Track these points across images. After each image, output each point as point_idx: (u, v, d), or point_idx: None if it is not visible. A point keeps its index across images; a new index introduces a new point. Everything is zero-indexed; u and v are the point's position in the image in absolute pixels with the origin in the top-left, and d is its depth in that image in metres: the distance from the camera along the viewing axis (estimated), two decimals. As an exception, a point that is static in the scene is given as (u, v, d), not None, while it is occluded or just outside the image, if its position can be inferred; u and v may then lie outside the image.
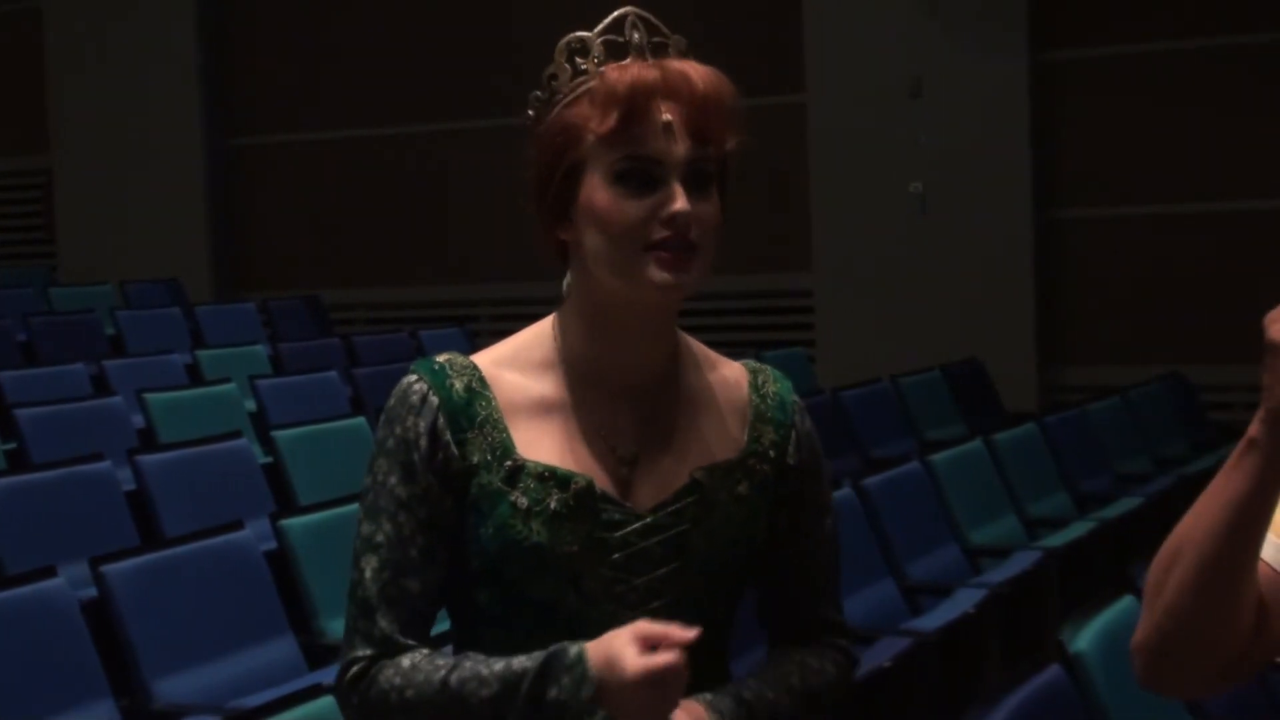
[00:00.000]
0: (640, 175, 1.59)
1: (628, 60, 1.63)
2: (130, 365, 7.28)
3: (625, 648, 1.52)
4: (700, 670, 1.63)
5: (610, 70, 1.62)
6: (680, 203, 1.58)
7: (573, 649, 1.55)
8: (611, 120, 1.60)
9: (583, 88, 1.63)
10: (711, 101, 1.60)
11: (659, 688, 1.50)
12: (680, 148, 1.59)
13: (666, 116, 1.59)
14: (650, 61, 1.62)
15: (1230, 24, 8.60)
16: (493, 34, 10.19)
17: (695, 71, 1.62)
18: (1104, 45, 8.89)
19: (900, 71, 9.06)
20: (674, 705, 1.54)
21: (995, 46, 8.89)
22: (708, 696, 1.62)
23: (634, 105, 1.59)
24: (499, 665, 1.58)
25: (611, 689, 1.52)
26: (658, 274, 1.59)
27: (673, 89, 1.60)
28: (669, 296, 1.62)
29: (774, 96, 9.31)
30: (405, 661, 1.62)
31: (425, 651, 1.63)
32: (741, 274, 9.38)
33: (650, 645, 1.51)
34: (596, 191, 1.61)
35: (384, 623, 1.63)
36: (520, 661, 1.58)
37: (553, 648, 1.57)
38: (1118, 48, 8.86)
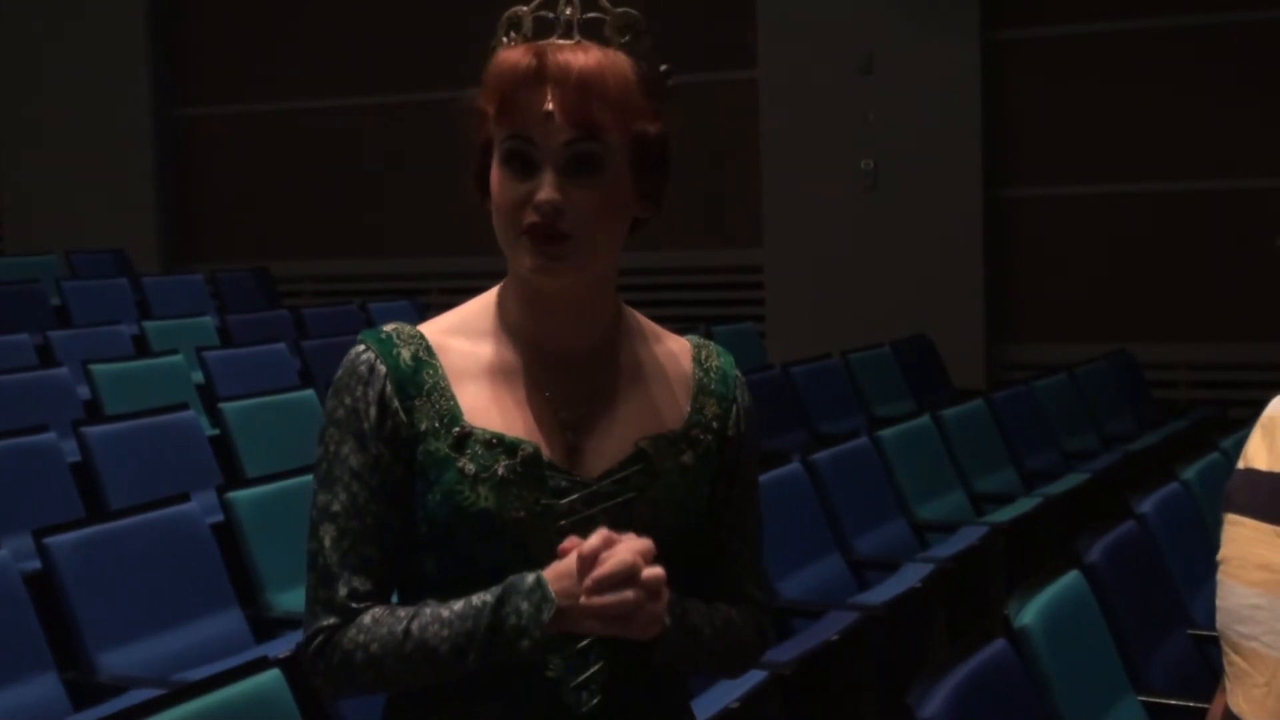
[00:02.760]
0: (521, 158, 1.62)
1: (519, 45, 1.63)
2: (76, 336, 7.22)
3: (574, 558, 1.55)
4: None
5: (500, 54, 1.65)
6: (545, 192, 1.60)
7: (529, 576, 1.58)
8: (493, 105, 1.63)
9: (489, 68, 1.66)
10: (591, 88, 1.60)
11: (608, 584, 1.52)
12: (558, 134, 1.60)
13: (548, 106, 1.60)
14: (536, 46, 1.62)
15: (1180, 4, 8.65)
16: (442, 6, 10.13)
17: (580, 57, 1.61)
18: (1055, 24, 8.93)
19: (852, 48, 9.08)
20: (637, 611, 1.54)
21: (947, 24, 8.92)
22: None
23: (508, 92, 1.61)
24: (458, 604, 1.61)
25: (567, 601, 1.55)
26: (528, 258, 1.62)
27: (551, 76, 1.60)
28: (545, 280, 1.63)
29: (725, 72, 9.31)
30: (366, 619, 1.64)
31: (386, 608, 1.65)
32: (692, 249, 9.39)
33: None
34: (493, 171, 1.65)
35: (345, 590, 1.65)
36: (478, 596, 1.60)
37: (510, 578, 1.59)
38: (1069, 27, 8.90)
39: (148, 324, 7.73)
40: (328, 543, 1.65)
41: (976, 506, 5.97)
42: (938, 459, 5.97)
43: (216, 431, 5.61)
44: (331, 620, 1.64)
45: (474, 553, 1.64)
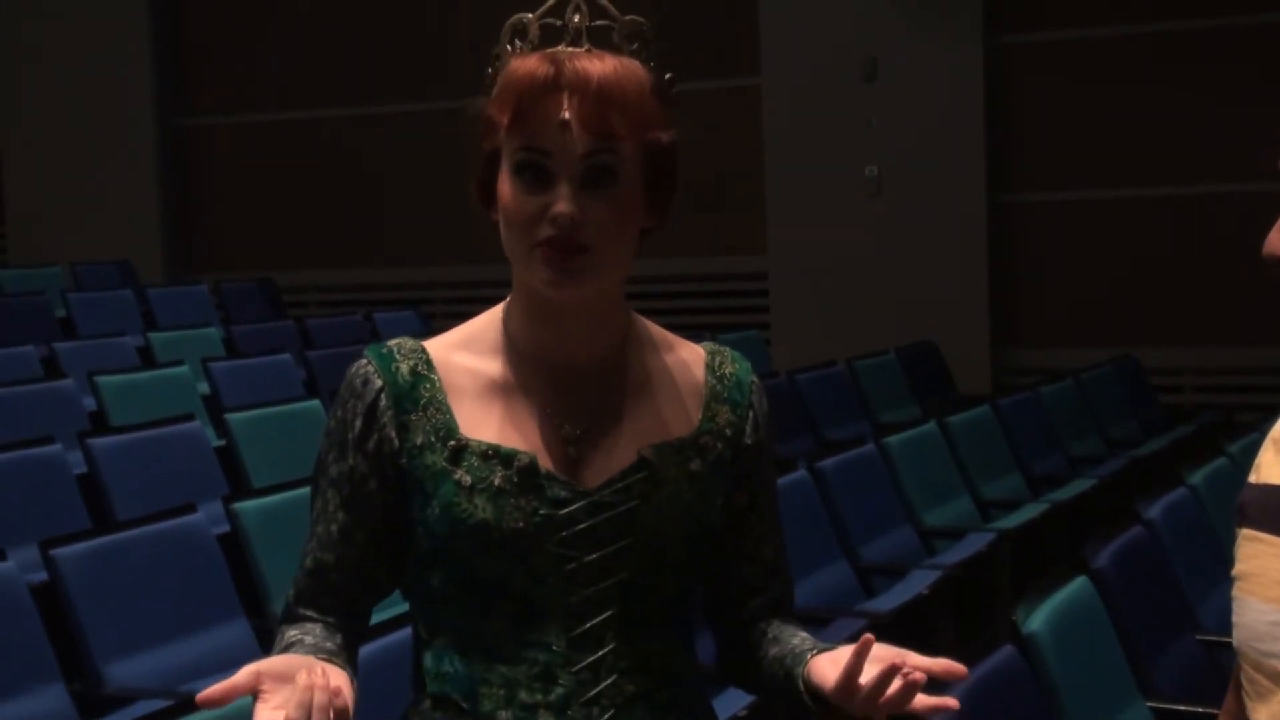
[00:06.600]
0: (535, 169, 1.58)
1: (533, 53, 1.61)
2: (81, 347, 7.22)
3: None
4: (655, 650, 1.65)
5: (513, 62, 1.62)
6: (564, 205, 1.57)
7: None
8: (507, 114, 1.60)
9: (500, 76, 1.63)
10: (610, 96, 1.57)
11: None
12: (576, 144, 1.57)
13: (565, 114, 1.57)
14: (551, 54, 1.60)
15: (1184, 9, 8.65)
16: (446, 14, 10.14)
17: (597, 65, 1.58)
18: (1059, 29, 8.93)
19: (855, 54, 9.08)
20: None
21: (950, 30, 8.92)
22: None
23: (524, 102, 1.58)
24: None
25: None
26: (543, 271, 1.59)
27: (568, 85, 1.57)
28: (559, 294, 1.61)
29: (728, 79, 9.31)
30: (288, 632, 1.67)
31: (299, 627, 1.67)
32: (696, 256, 9.40)
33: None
34: (503, 182, 1.61)
35: (293, 593, 1.70)
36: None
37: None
38: (1072, 32, 8.90)
39: (153, 335, 7.73)
40: (304, 546, 1.71)
41: (983, 512, 5.97)
42: (944, 465, 5.97)
43: (222, 442, 5.61)
44: (281, 618, 1.70)
45: (475, 565, 1.63)
